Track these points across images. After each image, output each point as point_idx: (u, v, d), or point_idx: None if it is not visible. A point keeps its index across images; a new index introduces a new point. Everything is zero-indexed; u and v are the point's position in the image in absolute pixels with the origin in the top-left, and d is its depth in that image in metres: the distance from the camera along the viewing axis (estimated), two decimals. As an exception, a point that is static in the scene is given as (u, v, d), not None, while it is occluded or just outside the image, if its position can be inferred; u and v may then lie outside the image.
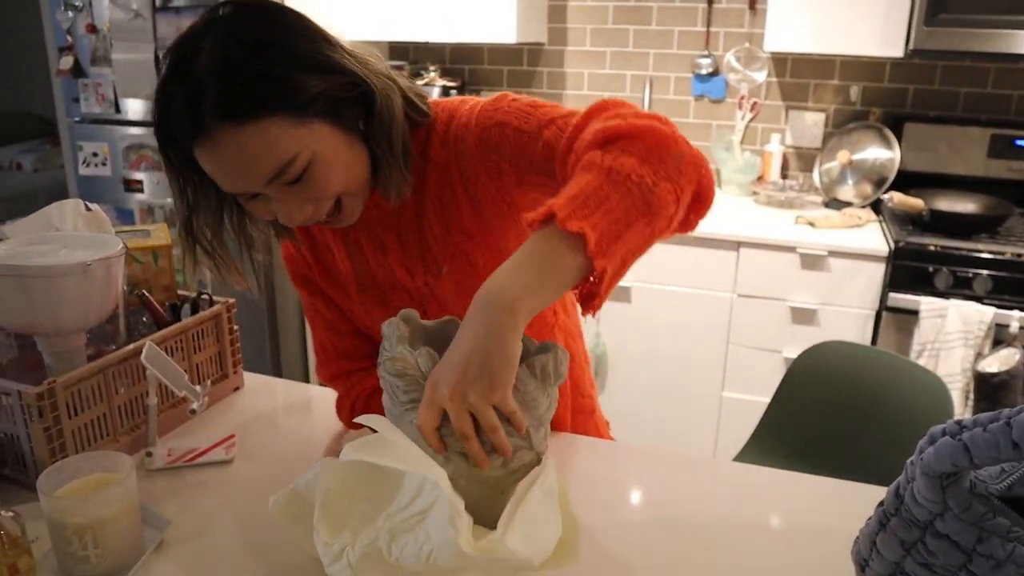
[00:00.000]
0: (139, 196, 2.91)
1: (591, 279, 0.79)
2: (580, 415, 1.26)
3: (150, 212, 2.90)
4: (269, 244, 1.08)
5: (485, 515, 0.78)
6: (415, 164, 1.01)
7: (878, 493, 1.10)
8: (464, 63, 3.31)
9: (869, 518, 0.86)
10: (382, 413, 1.08)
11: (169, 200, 2.85)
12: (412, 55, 3.33)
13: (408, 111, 0.98)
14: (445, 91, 3.01)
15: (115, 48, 2.75)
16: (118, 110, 2.84)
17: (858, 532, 0.90)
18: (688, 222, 0.89)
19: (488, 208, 1.01)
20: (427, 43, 3.26)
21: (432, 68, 3.10)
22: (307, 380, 3.11)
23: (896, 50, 2.47)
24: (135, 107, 2.82)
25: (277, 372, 2.95)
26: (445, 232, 1.03)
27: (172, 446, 1.16)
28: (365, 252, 1.08)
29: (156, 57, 2.70)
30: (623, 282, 2.61)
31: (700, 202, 0.87)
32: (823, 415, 1.61)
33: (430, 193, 1.02)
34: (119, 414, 1.14)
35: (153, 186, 2.87)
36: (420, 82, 3.02)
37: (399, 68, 3.06)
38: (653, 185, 0.79)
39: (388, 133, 0.94)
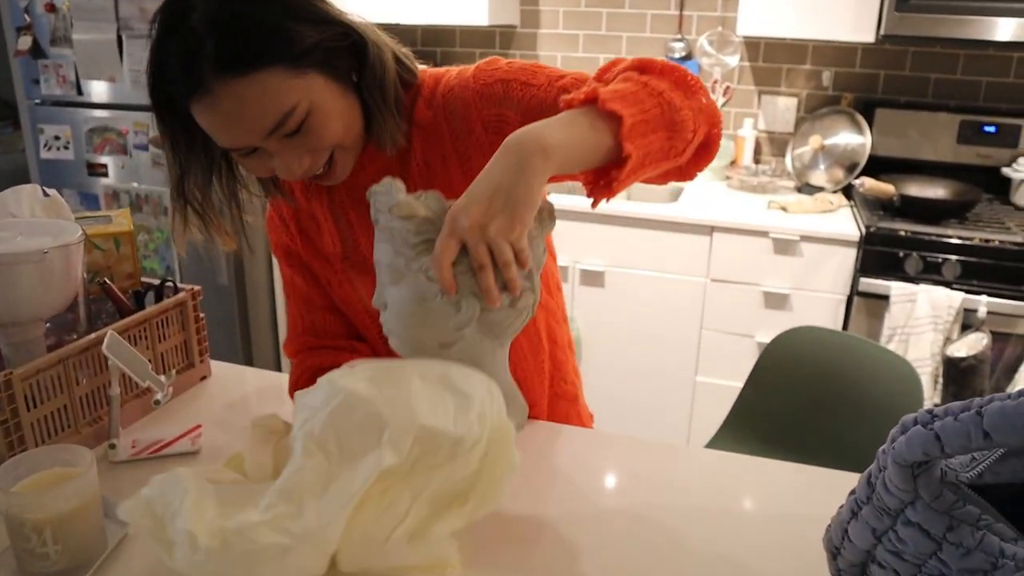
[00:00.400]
0: (104, 180, 2.85)
1: (609, 171, 0.82)
2: (561, 401, 1.25)
3: (115, 197, 2.84)
4: (258, 207, 1.08)
5: (487, 370, 0.82)
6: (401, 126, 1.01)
7: (850, 480, 1.10)
8: (436, 45, 3.28)
9: (841, 506, 0.86)
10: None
11: (135, 184, 2.79)
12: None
13: (397, 68, 0.99)
14: (417, 74, 2.97)
15: (76, 28, 2.68)
16: (80, 92, 2.77)
17: (830, 520, 0.90)
18: (689, 167, 0.92)
19: (477, 165, 0.98)
20: (397, 24, 3.21)
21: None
22: (279, 368, 3.08)
23: (868, 35, 2.48)
24: (98, 89, 2.75)
25: (248, 361, 2.91)
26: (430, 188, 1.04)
27: (136, 437, 1.13)
28: (350, 217, 1.09)
29: (119, 37, 2.64)
30: (596, 266, 2.61)
31: (706, 150, 0.91)
32: (795, 401, 1.62)
33: (415, 155, 1.03)
34: (80, 405, 1.11)
35: (118, 170, 2.81)
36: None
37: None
38: (679, 108, 0.84)
39: (381, 83, 0.95)
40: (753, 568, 0.91)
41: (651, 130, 0.82)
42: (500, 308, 0.80)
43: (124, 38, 2.63)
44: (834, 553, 0.86)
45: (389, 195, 0.83)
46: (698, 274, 2.55)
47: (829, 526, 0.88)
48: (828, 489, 1.06)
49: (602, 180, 0.83)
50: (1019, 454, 0.83)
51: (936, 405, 2.13)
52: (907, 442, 0.70)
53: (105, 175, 2.83)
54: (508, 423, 0.81)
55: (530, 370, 1.17)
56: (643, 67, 0.87)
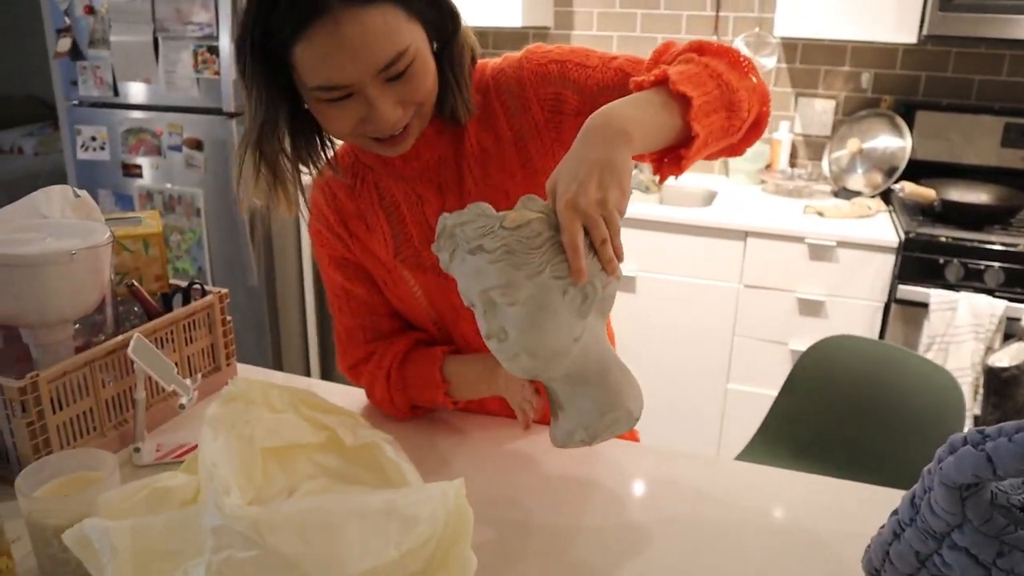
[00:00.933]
0: (139, 182, 2.87)
1: (678, 149, 0.87)
2: None
3: (149, 198, 2.87)
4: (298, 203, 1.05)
5: (607, 350, 0.90)
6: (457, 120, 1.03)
7: (888, 497, 1.06)
8: (468, 47, 3.26)
9: (882, 526, 0.82)
10: (418, 379, 1.13)
11: (168, 185, 2.81)
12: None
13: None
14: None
15: (113, 30, 2.70)
16: (116, 93, 2.79)
17: (869, 540, 0.86)
18: (741, 144, 0.97)
19: (532, 143, 1.03)
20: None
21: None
22: (308, 374, 3.08)
23: (910, 35, 2.42)
24: (134, 90, 2.77)
25: (278, 365, 2.92)
26: (484, 175, 1.05)
27: (161, 441, 1.12)
28: (402, 210, 1.08)
29: (155, 39, 2.65)
30: (629, 271, 2.57)
31: (756, 128, 0.96)
32: (830, 411, 1.57)
33: (470, 141, 1.04)
34: (106, 408, 1.11)
35: (152, 171, 2.83)
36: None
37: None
38: (736, 89, 0.89)
39: (461, 56, 0.98)
40: (789, 589, 0.87)
41: (713, 110, 0.87)
42: (612, 280, 0.84)
43: (160, 39, 2.65)
44: (873, 575, 0.83)
45: (483, 218, 0.83)
46: (731, 280, 2.51)
47: (869, 546, 0.84)
48: (865, 506, 1.02)
49: (669, 158, 0.89)
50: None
51: (976, 417, 2.07)
52: (956, 463, 0.67)
53: (140, 176, 2.86)
54: (466, 522, 0.78)
55: None
56: (701, 49, 0.92)
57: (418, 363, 1.13)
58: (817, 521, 0.99)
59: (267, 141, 0.94)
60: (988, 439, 0.65)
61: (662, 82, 0.85)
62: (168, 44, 2.65)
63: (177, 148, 2.77)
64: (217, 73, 2.61)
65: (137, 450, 1.08)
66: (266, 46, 0.87)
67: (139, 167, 2.86)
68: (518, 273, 0.82)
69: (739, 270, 2.49)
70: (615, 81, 0.98)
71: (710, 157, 0.96)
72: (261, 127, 0.93)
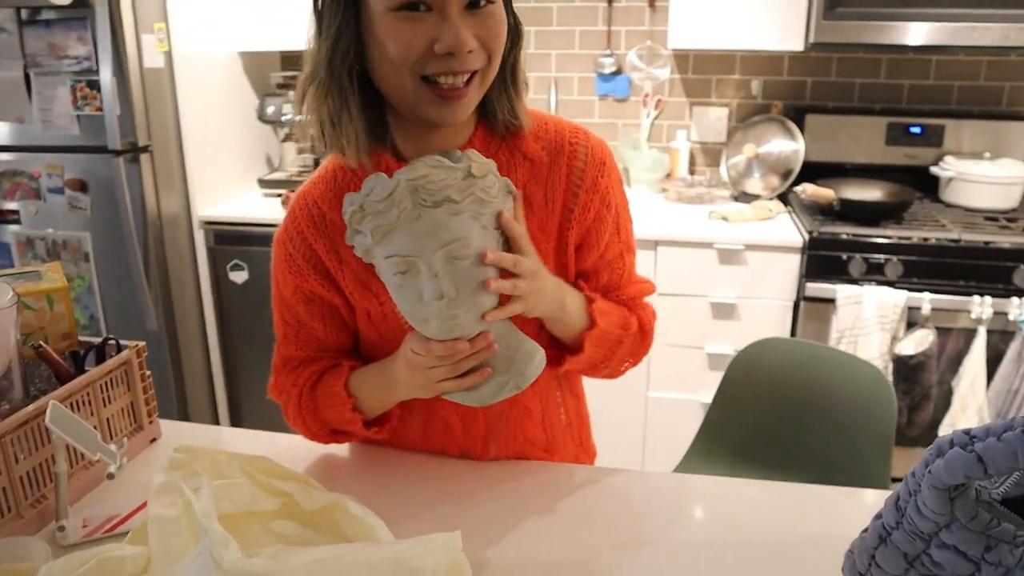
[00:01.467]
0: (14, 228, 2.67)
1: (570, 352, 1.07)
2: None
3: (29, 245, 2.66)
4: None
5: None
6: (507, 144, 1.02)
7: (847, 497, 1.08)
8: (362, 71, 3.20)
9: (864, 530, 0.82)
10: (327, 397, 1.07)
11: (51, 230, 2.62)
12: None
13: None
14: (345, 101, 2.88)
15: (-23, 67, 2.51)
16: (-15, 135, 2.59)
17: (844, 543, 0.87)
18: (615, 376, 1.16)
19: (549, 221, 1.04)
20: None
21: (329, 77, 2.98)
22: (216, 420, 2.93)
23: (796, 44, 2.52)
24: (4, 131, 2.58)
25: (183, 414, 2.76)
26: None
27: (88, 515, 1.02)
28: None
29: (26, 75, 2.48)
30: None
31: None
32: (764, 414, 1.60)
33: (514, 181, 1.01)
34: (21, 486, 1.00)
35: (31, 216, 2.64)
36: (318, 92, 2.89)
37: (293, 78, 2.92)
38: (627, 358, 1.14)
39: (522, 71, 0.99)
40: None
41: (608, 352, 1.08)
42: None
43: (32, 75, 2.48)
44: (858, 581, 0.83)
45: (445, 169, 0.84)
46: (646, 289, 2.53)
47: (850, 551, 0.84)
48: (828, 508, 1.04)
49: (560, 357, 1.07)
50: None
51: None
52: (946, 466, 0.67)
53: (16, 222, 2.65)
54: (463, 570, 0.76)
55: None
56: (643, 330, 1.12)
57: (327, 381, 1.08)
58: (786, 529, 0.99)
59: (343, 57, 0.90)
60: (976, 440, 0.66)
61: (593, 324, 1.04)
62: (42, 80, 2.48)
63: (58, 190, 2.59)
64: (100, 109, 2.45)
65: (61, 528, 0.98)
66: None
67: (15, 212, 2.65)
68: (475, 224, 0.84)
69: (652, 278, 2.52)
70: (605, 268, 1.08)
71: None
72: (336, 42, 0.89)
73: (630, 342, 1.11)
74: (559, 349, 1.07)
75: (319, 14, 0.91)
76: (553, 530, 0.99)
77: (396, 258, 0.85)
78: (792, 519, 1.02)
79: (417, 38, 0.87)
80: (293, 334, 1.10)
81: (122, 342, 1.20)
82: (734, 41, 2.59)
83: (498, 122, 1.01)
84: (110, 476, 1.00)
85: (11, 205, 2.65)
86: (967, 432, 0.67)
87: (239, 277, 2.74)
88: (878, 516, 0.79)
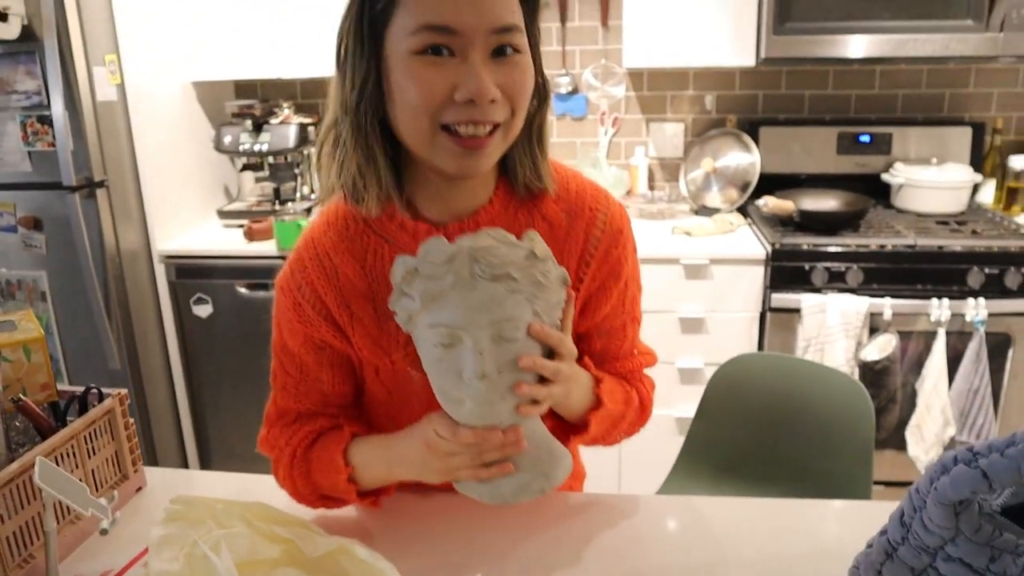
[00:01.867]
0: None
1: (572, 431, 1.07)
2: None
3: (-18, 286, 2.59)
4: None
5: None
6: (526, 204, 1.01)
7: (842, 510, 1.11)
8: (317, 97, 3.18)
9: (868, 545, 0.84)
10: (322, 462, 1.02)
11: (3, 270, 2.55)
12: (261, 92, 3.17)
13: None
14: (302, 128, 2.87)
15: (-78, 106, 2.44)
16: (-70, 175, 2.52)
17: (849, 559, 0.88)
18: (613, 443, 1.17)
19: (585, 287, 1.03)
20: (276, 79, 3.11)
21: (286, 105, 2.96)
22: (185, 463, 2.87)
23: (748, 59, 2.58)
24: (-48, 171, 2.51)
25: (150, 456, 2.70)
26: None
27: (80, 572, 1.00)
28: None
29: (-24, 114, 2.41)
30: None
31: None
32: (745, 430, 1.62)
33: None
34: (8, 546, 0.97)
35: (-17, 257, 2.56)
36: (275, 120, 2.87)
37: (249, 107, 2.89)
38: (625, 432, 1.15)
39: (547, 131, 0.98)
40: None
41: (611, 425, 1.09)
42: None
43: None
44: (864, 595, 0.85)
45: (508, 245, 0.83)
46: (614, 305, 2.56)
47: (855, 568, 0.86)
48: (822, 523, 1.06)
49: (569, 432, 1.07)
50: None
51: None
52: (952, 483, 0.69)
53: (-30, 264, 2.58)
54: None
55: None
56: (643, 402, 1.14)
57: (324, 445, 1.03)
58: (786, 546, 1.01)
59: (368, 102, 0.88)
60: (980, 456, 0.68)
61: (599, 404, 1.03)
62: (-9, 117, 2.42)
63: (11, 229, 2.52)
64: (52, 144, 2.40)
65: (54, 588, 0.95)
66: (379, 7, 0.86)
67: (-32, 255, 2.57)
68: (528, 307, 0.81)
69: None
70: (608, 336, 1.09)
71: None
72: (362, 86, 0.88)
73: (631, 417, 1.11)
74: (562, 424, 1.06)
75: (342, 61, 0.89)
76: (563, 562, 0.99)
77: (442, 328, 0.82)
78: (790, 535, 1.04)
79: (438, 83, 0.84)
80: (294, 385, 1.05)
81: (104, 390, 1.18)
82: (687, 58, 2.64)
83: (519, 182, 0.99)
84: (103, 532, 0.97)
85: None
86: (970, 449, 0.70)
87: (203, 311, 2.69)
88: (883, 532, 0.81)
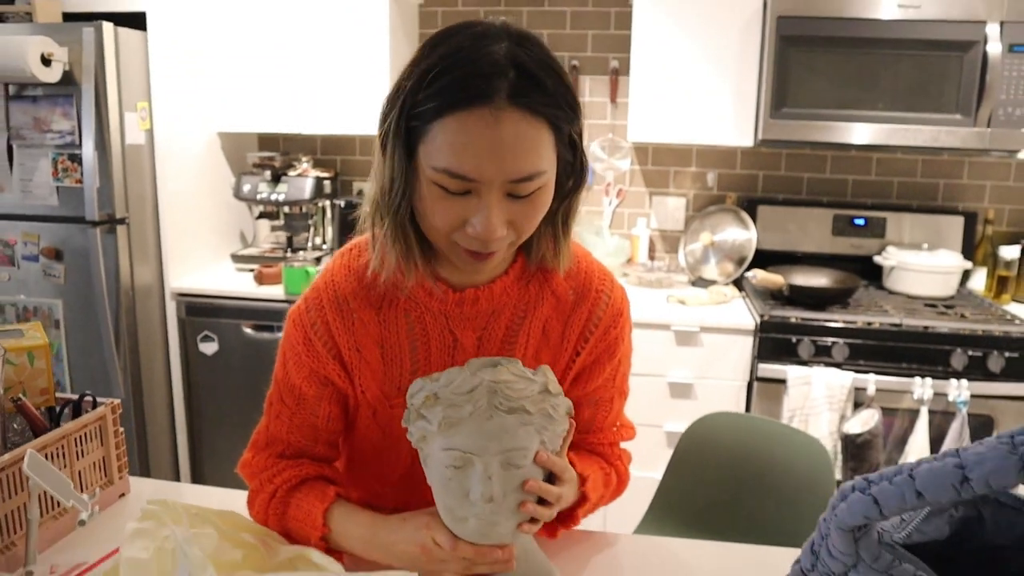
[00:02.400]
0: (-12, 300, 2.71)
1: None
2: None
3: (0, 310, 2.70)
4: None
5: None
6: (538, 278, 1.06)
7: (779, 554, 1.15)
8: (336, 153, 3.33)
9: (786, 577, 0.90)
10: (300, 511, 1.04)
11: (22, 296, 2.67)
12: (282, 146, 3.32)
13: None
14: (319, 181, 3.00)
15: (-38, 139, 2.60)
16: (-36, 204, 2.66)
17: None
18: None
19: (561, 356, 1.09)
20: (298, 135, 3.27)
21: (304, 159, 3.10)
22: (178, 479, 2.93)
23: (747, 140, 2.69)
24: (-17, 199, 2.65)
25: (145, 474, 2.76)
26: (535, 359, 1.07)
27: (55, 562, 1.06)
28: (430, 347, 1.05)
29: (9, 146, 2.56)
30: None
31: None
32: (713, 485, 1.67)
33: (539, 315, 1.06)
34: (-7, 531, 1.04)
35: (2, 282, 2.68)
36: (293, 173, 3.01)
37: (270, 158, 3.04)
38: (608, 501, 1.22)
39: (575, 215, 1.00)
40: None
41: (592, 506, 1.14)
42: None
43: (15, 147, 2.56)
44: (782, 624, 0.89)
45: (525, 380, 0.90)
46: (606, 367, 2.62)
47: (776, 599, 0.91)
48: (762, 568, 1.11)
49: (553, 528, 1.13)
50: (940, 514, 0.90)
51: (839, 482, 2.24)
52: (848, 508, 0.76)
53: (-11, 288, 2.70)
54: None
55: None
56: (621, 477, 1.22)
57: (307, 495, 1.06)
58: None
59: (401, 196, 0.91)
60: (872, 484, 0.74)
61: (584, 482, 1.08)
62: (24, 152, 2.57)
63: (33, 258, 2.64)
64: (79, 181, 2.54)
65: (29, 574, 1.02)
66: (413, 111, 0.86)
67: (-12, 279, 2.70)
68: (537, 437, 0.88)
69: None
70: (604, 401, 1.15)
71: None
72: (400, 180, 0.90)
73: (609, 495, 1.19)
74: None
75: (383, 145, 0.91)
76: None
77: (456, 452, 0.88)
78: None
79: (452, 214, 0.88)
80: (288, 416, 1.09)
81: (98, 399, 1.26)
82: (688, 136, 2.76)
83: (533, 260, 1.03)
84: (81, 523, 1.05)
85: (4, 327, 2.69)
86: (866, 478, 0.76)
87: (209, 348, 2.79)
88: (797, 560, 0.87)
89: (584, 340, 1.08)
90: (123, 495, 1.28)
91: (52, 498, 1.14)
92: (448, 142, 0.84)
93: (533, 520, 0.93)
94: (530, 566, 0.97)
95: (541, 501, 0.94)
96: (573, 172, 0.96)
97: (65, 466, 1.17)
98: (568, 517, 1.12)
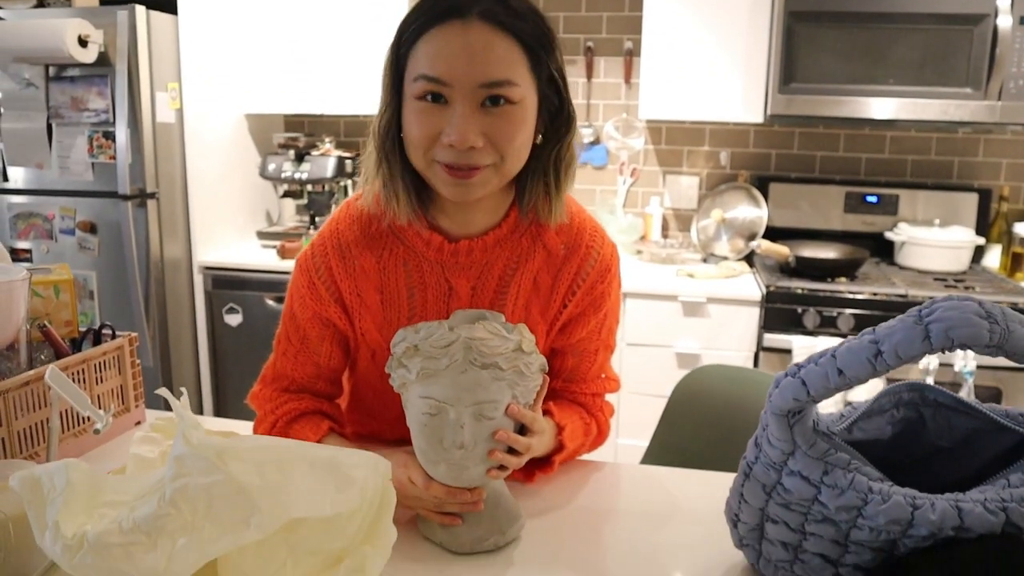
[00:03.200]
0: (27, 266, 2.84)
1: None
2: None
3: (38, 283, 2.84)
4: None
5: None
6: (531, 231, 1.11)
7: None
8: (359, 136, 3.43)
9: (736, 475, 0.96)
10: (301, 438, 1.13)
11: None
12: (307, 128, 3.44)
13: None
14: (340, 160, 3.10)
15: (5, 117, 2.74)
16: (5, 178, 2.80)
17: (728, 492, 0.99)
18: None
19: (550, 307, 1.14)
20: (322, 116, 3.38)
21: (328, 140, 3.20)
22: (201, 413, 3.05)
23: (756, 116, 2.74)
24: (24, 175, 2.79)
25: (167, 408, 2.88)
26: (526, 307, 1.12)
27: (74, 470, 1.16)
28: (427, 294, 1.11)
29: (48, 126, 2.70)
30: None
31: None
32: (705, 436, 1.72)
33: (530, 267, 1.11)
34: (18, 440, 1.14)
35: (42, 255, 2.82)
36: (315, 152, 3.11)
37: (294, 139, 3.15)
38: (588, 450, 1.26)
39: (568, 165, 1.06)
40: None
41: (571, 453, 1.20)
42: None
43: (54, 126, 2.70)
44: (734, 521, 0.95)
45: (500, 338, 0.95)
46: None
47: (728, 499, 0.97)
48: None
49: (530, 472, 1.16)
50: (880, 413, 0.95)
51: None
52: (780, 393, 0.82)
53: (29, 260, 2.84)
54: (390, 497, 0.87)
55: None
56: (600, 432, 1.24)
57: (303, 427, 1.14)
58: (695, 508, 1.12)
59: (388, 129, 1.00)
60: (801, 368, 0.81)
61: (560, 447, 1.15)
62: (62, 130, 2.71)
63: (70, 232, 2.78)
64: (113, 157, 2.67)
65: (50, 476, 1.11)
66: (403, 38, 0.97)
67: (28, 251, 2.84)
68: (509, 392, 0.95)
69: (620, 330, 2.67)
70: (589, 352, 1.20)
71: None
72: (386, 115, 1.00)
73: (589, 444, 1.23)
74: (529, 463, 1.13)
75: (382, 85, 1.01)
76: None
77: (432, 401, 0.95)
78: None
79: (429, 126, 0.95)
80: (294, 353, 1.17)
81: (118, 332, 1.36)
82: (699, 113, 2.81)
83: (525, 211, 1.08)
84: (96, 432, 1.14)
85: (24, 244, 2.84)
86: (796, 364, 0.82)
87: (234, 320, 2.90)
88: (744, 456, 0.93)
89: (572, 293, 1.13)
90: (139, 423, 1.37)
91: (73, 416, 1.24)
92: (425, 52, 0.94)
93: (502, 467, 0.99)
94: (499, 509, 1.02)
95: (512, 451, 1.00)
96: (560, 116, 1.02)
97: (86, 389, 1.26)
98: (545, 463, 1.16)
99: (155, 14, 2.68)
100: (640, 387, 2.68)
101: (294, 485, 0.79)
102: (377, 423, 1.25)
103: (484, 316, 1.00)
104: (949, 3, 2.49)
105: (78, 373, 1.25)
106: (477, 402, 0.93)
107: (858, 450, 0.89)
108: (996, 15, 2.47)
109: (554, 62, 1.00)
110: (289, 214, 3.31)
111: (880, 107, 2.58)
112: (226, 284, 2.90)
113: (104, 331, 1.35)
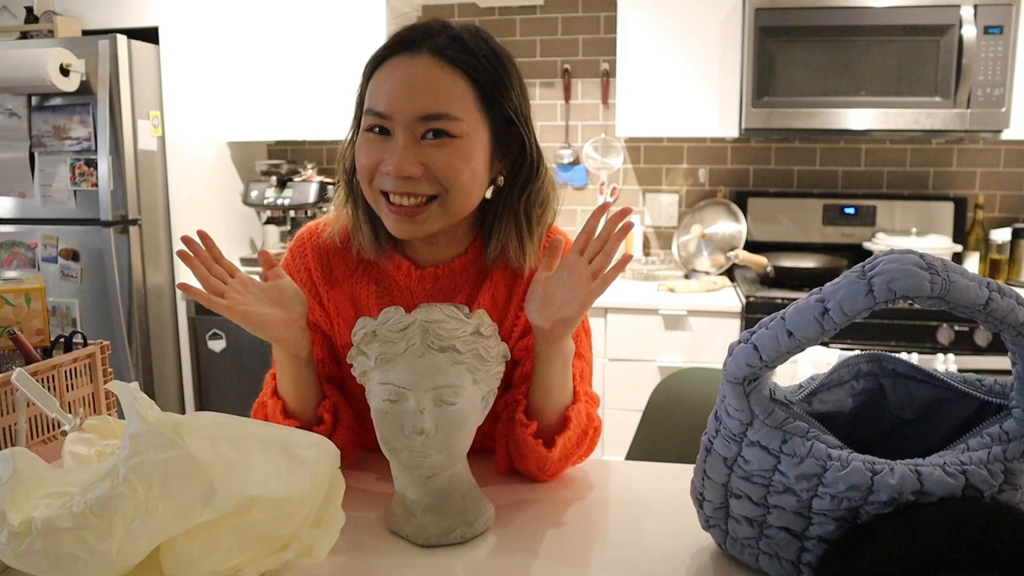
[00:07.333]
0: None
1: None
2: None
3: (21, 312, 2.84)
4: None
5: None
6: (498, 267, 1.12)
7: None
8: (343, 163, 3.45)
9: (699, 454, 0.96)
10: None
11: (49, 299, 2.80)
12: (290, 155, 3.46)
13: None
14: (323, 186, 3.12)
15: (-13, 148, 2.76)
16: (-13, 209, 2.82)
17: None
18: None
19: (512, 327, 1.14)
20: (304, 143, 3.41)
21: (310, 166, 3.23)
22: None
23: (732, 131, 2.77)
24: (6, 204, 2.80)
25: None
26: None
27: (42, 473, 1.15)
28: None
29: (31, 155, 2.72)
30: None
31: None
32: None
33: (489, 283, 1.12)
34: (-14, 444, 1.14)
35: (24, 286, 2.82)
36: (297, 179, 3.14)
37: (276, 166, 3.17)
38: (579, 457, 1.18)
39: (543, 210, 1.08)
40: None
41: (567, 454, 1.14)
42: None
43: (36, 155, 2.72)
44: (700, 501, 0.95)
45: (457, 321, 0.95)
46: (596, 355, 2.68)
47: (692, 479, 0.97)
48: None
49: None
50: (840, 384, 0.96)
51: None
52: (733, 360, 0.82)
53: (11, 291, 2.84)
54: (339, 483, 0.87)
55: None
56: (585, 430, 1.16)
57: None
58: (664, 497, 1.12)
59: (350, 163, 1.06)
60: (753, 333, 0.81)
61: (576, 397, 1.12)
62: (45, 159, 2.72)
63: (52, 259, 2.78)
64: (95, 185, 2.68)
65: (17, 479, 1.10)
66: (365, 72, 1.02)
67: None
68: (469, 376, 0.94)
69: (603, 345, 2.68)
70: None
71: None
72: (345, 150, 1.07)
73: (587, 446, 1.17)
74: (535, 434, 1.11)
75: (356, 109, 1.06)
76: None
77: (391, 386, 0.94)
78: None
79: (372, 156, 0.99)
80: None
81: (89, 341, 1.36)
82: (674, 129, 2.85)
83: (493, 250, 1.08)
84: (63, 433, 1.14)
85: (7, 273, 2.84)
86: (749, 330, 0.83)
87: (217, 345, 2.90)
88: (705, 432, 0.93)
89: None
90: (112, 430, 1.37)
91: (43, 423, 1.23)
92: (374, 85, 0.99)
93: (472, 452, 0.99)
94: (466, 501, 1.01)
95: (485, 442, 0.99)
96: (524, 160, 1.04)
97: (57, 396, 1.26)
98: (547, 440, 1.12)
99: (136, 43, 2.72)
100: (623, 403, 2.68)
101: (248, 464, 0.79)
102: (359, 426, 1.25)
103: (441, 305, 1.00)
104: (915, 15, 2.55)
105: (48, 379, 1.25)
106: (436, 387, 0.93)
107: (821, 423, 0.90)
108: (960, 25, 2.52)
109: (509, 103, 1.01)
110: (272, 240, 3.32)
111: (852, 118, 2.62)
112: (209, 310, 2.89)
113: (76, 339, 1.35)
